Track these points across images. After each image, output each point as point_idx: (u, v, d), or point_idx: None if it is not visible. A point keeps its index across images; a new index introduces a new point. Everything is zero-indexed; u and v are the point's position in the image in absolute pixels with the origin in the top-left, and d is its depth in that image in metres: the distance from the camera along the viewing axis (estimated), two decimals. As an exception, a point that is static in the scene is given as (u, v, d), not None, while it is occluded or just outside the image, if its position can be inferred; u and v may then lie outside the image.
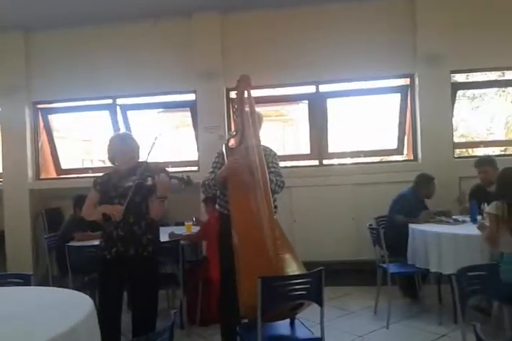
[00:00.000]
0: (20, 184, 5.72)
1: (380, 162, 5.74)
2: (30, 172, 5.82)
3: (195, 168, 5.67)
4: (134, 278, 2.83)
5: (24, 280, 2.49)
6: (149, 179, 2.82)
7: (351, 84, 5.57)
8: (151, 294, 2.88)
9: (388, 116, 5.83)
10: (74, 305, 1.90)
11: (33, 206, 5.75)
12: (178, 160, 6.37)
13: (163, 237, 3.83)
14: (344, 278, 4.64)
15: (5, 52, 5.73)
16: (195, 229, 4.16)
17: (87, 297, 2.00)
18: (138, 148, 3.00)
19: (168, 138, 7.73)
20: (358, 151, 5.64)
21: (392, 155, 5.74)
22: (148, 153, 2.82)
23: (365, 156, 5.59)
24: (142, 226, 2.82)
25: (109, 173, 2.97)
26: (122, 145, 2.91)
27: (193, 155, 5.82)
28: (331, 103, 5.61)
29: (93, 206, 2.89)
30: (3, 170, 5.86)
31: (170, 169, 5.66)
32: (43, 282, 4.51)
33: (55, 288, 2.31)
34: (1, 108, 5.83)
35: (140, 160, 2.96)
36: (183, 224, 4.39)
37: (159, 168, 2.87)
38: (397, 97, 5.54)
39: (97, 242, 3.05)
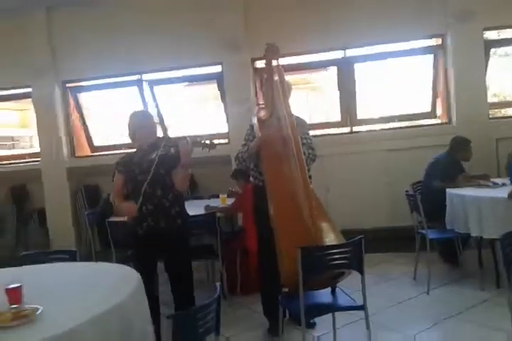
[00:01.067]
0: (57, 163, 5.87)
1: (413, 126, 5.59)
2: (65, 151, 5.94)
3: (225, 141, 5.68)
4: (167, 248, 2.88)
5: (70, 256, 2.58)
6: (172, 149, 2.84)
7: (380, 47, 5.37)
8: (185, 263, 2.96)
9: (420, 78, 5.64)
10: (122, 279, 1.97)
11: (71, 183, 5.91)
12: (207, 133, 6.36)
13: (200, 210, 3.89)
14: (380, 245, 4.63)
15: (29, 32, 5.75)
16: (230, 201, 4.19)
17: (134, 270, 2.06)
18: (156, 123, 3.03)
19: (197, 111, 7.71)
20: (389, 117, 5.51)
21: (425, 118, 5.59)
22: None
23: (397, 121, 5.46)
24: (170, 199, 2.85)
25: (130, 153, 3.01)
26: (143, 121, 2.94)
27: (223, 127, 5.81)
28: (359, 68, 5.45)
29: (120, 191, 2.92)
30: (40, 150, 6.00)
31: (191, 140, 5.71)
32: (86, 257, 4.69)
33: (102, 263, 2.39)
34: (32, 89, 5.92)
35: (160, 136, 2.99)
36: (217, 196, 4.44)
37: (181, 138, 2.89)
38: (428, 58, 5.34)
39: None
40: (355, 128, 5.49)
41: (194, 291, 2.97)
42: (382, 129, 5.47)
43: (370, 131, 5.47)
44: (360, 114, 5.51)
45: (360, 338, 2.53)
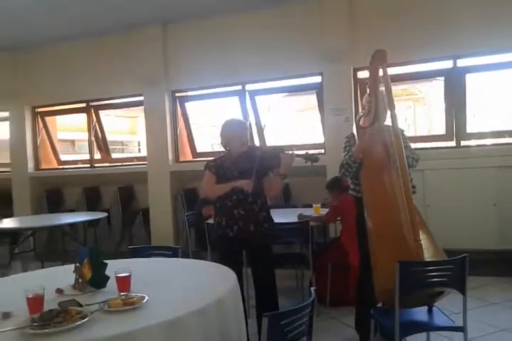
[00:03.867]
0: (162, 167, 6.26)
1: (529, 142, 5.15)
2: (170, 156, 6.32)
3: (321, 151, 5.67)
4: (253, 250, 3.03)
5: (172, 253, 2.76)
6: (270, 159, 2.91)
7: (494, 57, 5.02)
8: (269, 265, 3.03)
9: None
10: (220, 277, 2.06)
11: (173, 186, 6.26)
12: (303, 143, 6.42)
13: (293, 218, 3.92)
14: (484, 268, 4.29)
15: (146, 45, 6.21)
16: (323, 211, 4.17)
17: (231, 270, 2.14)
18: (248, 133, 3.11)
19: (294, 121, 7.80)
20: (501, 131, 5.12)
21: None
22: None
23: (509, 136, 5.07)
24: (258, 204, 2.97)
25: (220, 158, 3.09)
26: (236, 130, 3.00)
27: (319, 138, 5.82)
28: (470, 78, 5.14)
29: (213, 186, 3.02)
30: (147, 154, 6.45)
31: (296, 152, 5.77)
32: (184, 256, 4.92)
33: (202, 261, 2.51)
34: (144, 97, 6.40)
35: (250, 144, 3.06)
36: (310, 206, 4.43)
37: (276, 147, 2.95)
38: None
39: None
40: (463, 143, 5.17)
41: (278, 297, 3.03)
42: (493, 144, 5.09)
43: (480, 145, 5.11)
44: (470, 128, 5.20)
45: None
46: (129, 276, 1.91)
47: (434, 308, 2.47)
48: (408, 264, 2.18)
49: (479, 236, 4.79)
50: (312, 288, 1.77)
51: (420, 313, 2.44)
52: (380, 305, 2.60)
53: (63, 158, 7.67)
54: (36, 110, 7.32)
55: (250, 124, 6.06)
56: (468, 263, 2.21)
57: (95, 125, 7.14)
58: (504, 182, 4.77)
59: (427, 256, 2.49)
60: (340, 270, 3.81)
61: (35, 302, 1.70)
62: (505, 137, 5.07)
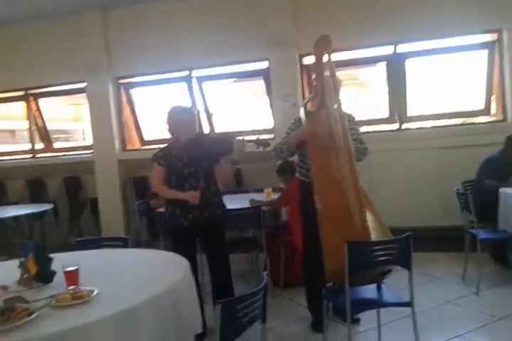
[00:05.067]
0: (109, 155, 6.09)
1: (465, 124, 5.41)
2: (117, 144, 6.15)
3: (271, 136, 5.70)
4: (207, 236, 3.02)
5: (123, 243, 2.70)
6: (221, 145, 2.92)
7: (432, 42, 5.20)
8: (224, 251, 3.07)
9: (474, 75, 5.43)
10: (172, 265, 2.05)
11: (121, 175, 6.13)
12: (253, 128, 6.42)
13: (245, 204, 3.94)
14: (429, 245, 4.52)
15: (85, 31, 5.98)
16: (275, 195, 4.22)
17: (183, 258, 2.12)
18: (196, 119, 3.09)
19: (243, 107, 7.76)
20: (440, 114, 5.35)
21: (478, 116, 5.39)
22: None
23: (448, 118, 5.31)
24: (211, 191, 2.98)
25: (168, 146, 3.06)
26: (182, 116, 2.98)
27: (269, 123, 5.84)
28: (410, 63, 5.32)
29: (162, 180, 2.99)
30: (93, 142, 6.25)
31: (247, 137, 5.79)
32: (135, 245, 4.85)
33: (153, 250, 2.48)
34: (87, 84, 6.16)
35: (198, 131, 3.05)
36: (262, 190, 4.47)
37: (231, 134, 2.96)
38: (483, 54, 5.15)
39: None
40: (405, 125, 5.37)
41: (233, 282, 3.08)
42: (433, 127, 5.31)
43: (421, 128, 5.33)
44: (410, 111, 5.39)
45: (405, 335, 2.50)
46: (77, 270, 1.86)
47: (382, 285, 2.57)
48: (356, 244, 2.26)
49: (424, 214, 5.01)
50: (264, 273, 1.79)
51: (370, 291, 2.54)
52: (330, 284, 2.68)
53: (2, 149, 7.30)
54: (-30, 99, 6.89)
55: (198, 111, 5.99)
56: (412, 241, 2.31)
57: (35, 114, 6.82)
58: (445, 163, 5.00)
59: (374, 236, 2.59)
60: (292, 252, 3.89)
61: (-23, 301, 1.62)
62: (443, 119, 5.30)
